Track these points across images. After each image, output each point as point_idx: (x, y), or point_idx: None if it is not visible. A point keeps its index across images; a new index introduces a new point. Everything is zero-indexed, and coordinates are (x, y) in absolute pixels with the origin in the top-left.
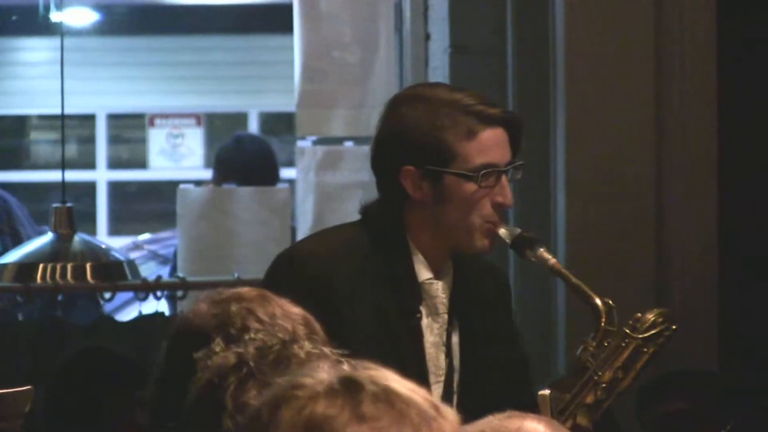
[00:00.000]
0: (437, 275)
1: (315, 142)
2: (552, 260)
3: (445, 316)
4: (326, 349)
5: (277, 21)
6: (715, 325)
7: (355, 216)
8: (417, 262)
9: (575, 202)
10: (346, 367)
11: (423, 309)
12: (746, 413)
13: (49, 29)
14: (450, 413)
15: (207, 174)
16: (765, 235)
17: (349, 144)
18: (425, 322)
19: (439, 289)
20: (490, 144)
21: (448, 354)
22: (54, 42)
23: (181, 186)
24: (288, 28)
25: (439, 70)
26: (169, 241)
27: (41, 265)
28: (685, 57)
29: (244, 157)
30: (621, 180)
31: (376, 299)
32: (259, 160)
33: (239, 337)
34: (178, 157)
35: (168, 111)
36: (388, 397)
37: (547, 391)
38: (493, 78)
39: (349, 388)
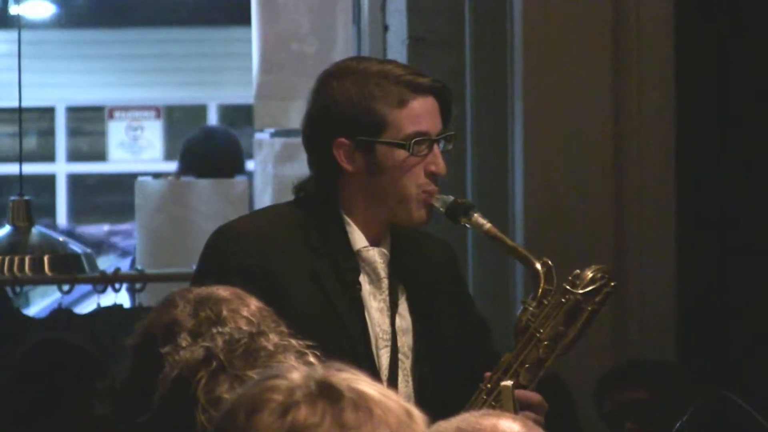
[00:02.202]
0: (374, 243)
1: (273, 135)
2: (487, 225)
3: (386, 281)
4: (293, 341)
5: (236, 13)
6: (673, 316)
7: None
8: (352, 231)
9: (534, 193)
10: (314, 362)
11: (363, 277)
12: (704, 403)
13: (6, 22)
14: (419, 415)
15: (167, 166)
16: (726, 224)
17: None
18: (367, 289)
19: (375, 255)
20: (421, 112)
21: (392, 318)
22: (12, 35)
23: (140, 178)
24: (246, 20)
25: None
26: (128, 233)
27: None
28: (642, 38)
29: (215, 149)
30: (580, 169)
31: (313, 271)
32: (230, 153)
33: (206, 331)
34: (138, 149)
35: (127, 103)
36: (367, 404)
37: (509, 382)
38: (451, 70)
39: (329, 394)
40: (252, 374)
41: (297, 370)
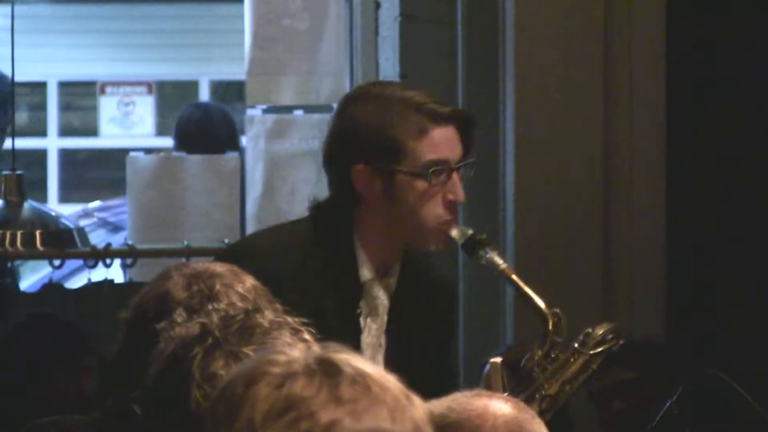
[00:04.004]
0: (382, 276)
1: (265, 111)
2: (503, 265)
3: (385, 318)
4: (288, 318)
5: None
6: (663, 295)
7: (303, 183)
8: (361, 261)
9: (525, 171)
10: (309, 339)
11: (363, 309)
12: (693, 382)
13: None
14: (419, 401)
15: (158, 142)
16: (712, 216)
17: (299, 113)
18: (363, 322)
19: (380, 291)
20: (441, 142)
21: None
22: (4, 9)
23: (131, 154)
24: None
25: (389, 39)
26: (119, 209)
27: None
28: (633, 19)
29: (211, 126)
30: (570, 146)
31: (317, 297)
32: (226, 128)
33: (201, 307)
34: (129, 124)
35: (119, 79)
36: (364, 380)
37: (498, 359)
38: (442, 47)
39: (327, 369)
40: (247, 351)
41: (298, 348)
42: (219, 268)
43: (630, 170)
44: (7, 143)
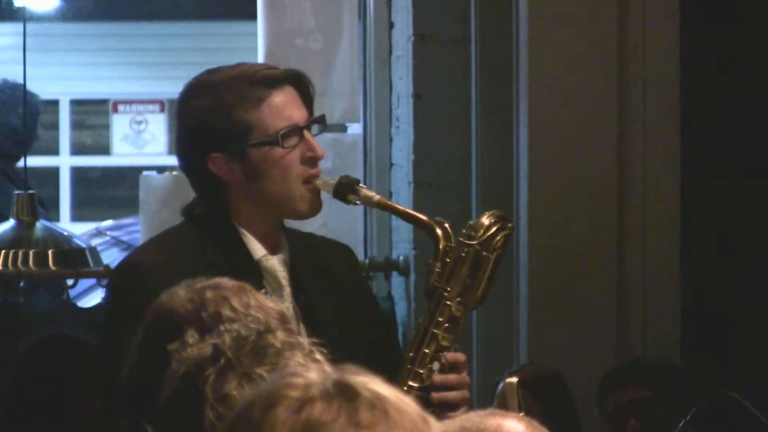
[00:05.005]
0: (273, 251)
1: None
2: (377, 196)
3: (288, 289)
4: (301, 339)
5: (241, 7)
6: (677, 316)
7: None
8: (249, 242)
9: (538, 190)
10: (320, 359)
11: (266, 286)
12: (707, 402)
13: (12, 15)
14: (435, 423)
15: (171, 160)
16: (730, 225)
17: None
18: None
19: (276, 263)
20: (283, 105)
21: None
22: (17, 27)
23: (144, 173)
24: (251, 15)
25: (402, 59)
26: (132, 228)
27: (2, 252)
28: (647, 38)
29: None
30: (584, 165)
31: None
32: None
33: (213, 328)
34: (142, 143)
35: (131, 97)
36: (382, 404)
37: (514, 379)
38: (456, 67)
39: (345, 393)
40: (260, 371)
41: (314, 370)
42: (229, 283)
43: (644, 188)
44: (20, 162)
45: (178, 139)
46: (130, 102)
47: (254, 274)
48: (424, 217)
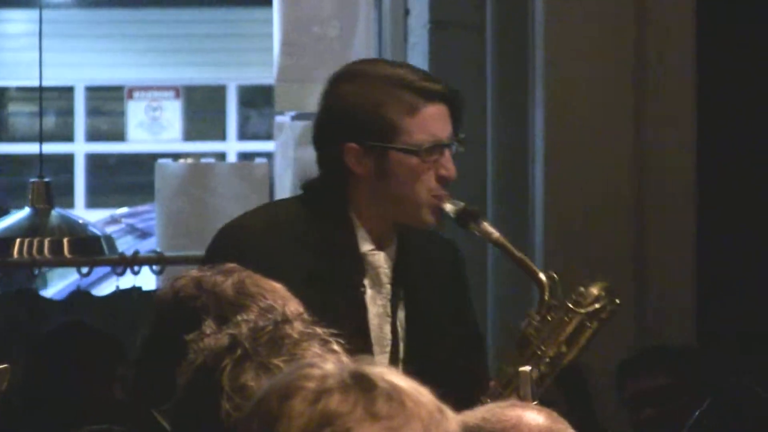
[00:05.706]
0: (380, 247)
1: (294, 118)
2: (495, 234)
3: (389, 287)
4: (317, 329)
5: None
6: (693, 302)
7: None
8: (359, 234)
9: (555, 179)
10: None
11: (366, 281)
12: (725, 390)
13: (28, 2)
14: (451, 414)
15: (186, 146)
16: (745, 218)
17: None
18: (369, 293)
19: (381, 260)
20: (433, 119)
21: (394, 325)
22: (33, 14)
23: (160, 161)
24: (268, 1)
25: (418, 46)
26: (147, 215)
27: (18, 240)
28: (665, 20)
29: None
30: (601, 156)
31: (315, 271)
32: None
33: (230, 318)
34: (157, 129)
35: (147, 83)
36: (399, 395)
37: (528, 367)
38: (472, 54)
39: (362, 384)
40: (277, 362)
41: (331, 361)
42: (242, 272)
43: (661, 170)
44: (35, 148)
45: (318, 119)
46: (146, 88)
47: (356, 266)
48: (535, 267)
